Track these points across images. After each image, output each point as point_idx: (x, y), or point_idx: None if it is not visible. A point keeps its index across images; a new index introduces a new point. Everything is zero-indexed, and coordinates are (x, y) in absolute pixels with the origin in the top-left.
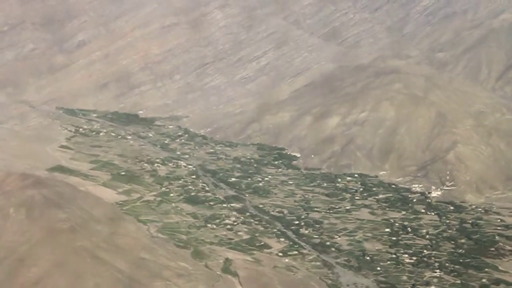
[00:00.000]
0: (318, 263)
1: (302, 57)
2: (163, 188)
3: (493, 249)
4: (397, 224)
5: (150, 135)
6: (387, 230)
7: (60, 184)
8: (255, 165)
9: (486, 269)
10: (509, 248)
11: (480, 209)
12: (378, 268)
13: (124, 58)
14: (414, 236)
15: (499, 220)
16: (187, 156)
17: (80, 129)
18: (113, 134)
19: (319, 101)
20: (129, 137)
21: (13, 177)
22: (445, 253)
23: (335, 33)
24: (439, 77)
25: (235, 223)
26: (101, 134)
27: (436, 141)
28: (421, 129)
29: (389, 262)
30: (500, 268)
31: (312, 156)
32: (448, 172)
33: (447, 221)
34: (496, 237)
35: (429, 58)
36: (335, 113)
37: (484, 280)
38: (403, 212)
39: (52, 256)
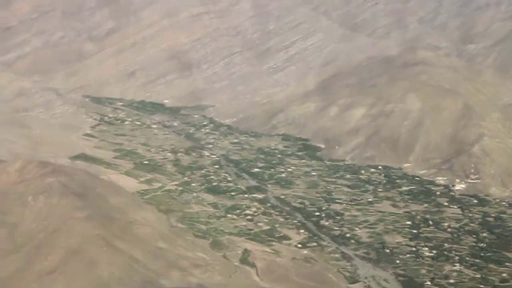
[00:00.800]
0: (336, 255)
1: (330, 48)
2: (185, 178)
3: None
4: (418, 217)
5: (175, 124)
6: (408, 222)
7: (80, 173)
8: (279, 155)
9: (507, 264)
10: None
11: (504, 203)
12: (397, 261)
13: (151, 47)
14: (435, 229)
15: None
16: (211, 145)
17: (105, 118)
18: (138, 123)
19: (346, 92)
20: (154, 126)
21: (33, 164)
22: (466, 247)
23: (364, 24)
24: (468, 69)
25: (256, 214)
26: (126, 123)
27: (462, 134)
28: (447, 121)
29: (408, 255)
30: None
31: (336, 147)
32: (472, 165)
33: (470, 215)
34: None
35: (459, 50)
36: (361, 104)
37: (504, 275)
38: (426, 205)
39: (69, 244)
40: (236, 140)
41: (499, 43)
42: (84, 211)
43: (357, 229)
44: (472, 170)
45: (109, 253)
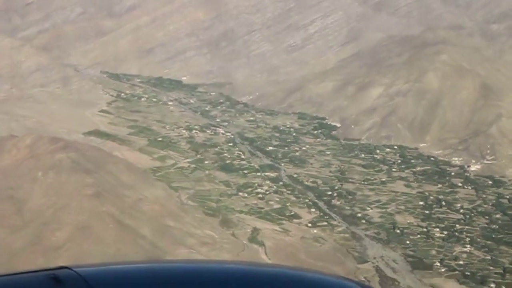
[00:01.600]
0: (346, 235)
1: (351, 27)
2: (199, 155)
3: None
4: (431, 198)
5: (192, 101)
6: (421, 203)
7: (91, 149)
8: (294, 134)
9: None
10: None
11: None
12: (408, 242)
13: (171, 23)
14: (448, 210)
15: None
16: (226, 123)
17: (122, 94)
18: (154, 99)
19: (364, 71)
20: (170, 103)
21: (44, 140)
22: (477, 228)
23: (387, 3)
24: (489, 49)
25: (267, 193)
26: (142, 99)
27: (479, 114)
28: (465, 101)
29: (419, 236)
30: None
31: (352, 126)
32: (489, 146)
33: (484, 196)
34: None
35: (483, 29)
36: (378, 84)
37: None
38: (439, 186)
39: (76, 220)
40: (251, 118)
41: None
42: (92, 188)
43: (369, 209)
44: (488, 151)
45: (116, 230)
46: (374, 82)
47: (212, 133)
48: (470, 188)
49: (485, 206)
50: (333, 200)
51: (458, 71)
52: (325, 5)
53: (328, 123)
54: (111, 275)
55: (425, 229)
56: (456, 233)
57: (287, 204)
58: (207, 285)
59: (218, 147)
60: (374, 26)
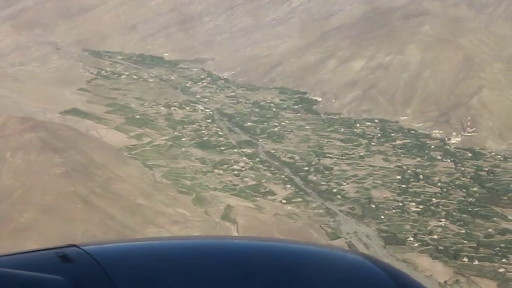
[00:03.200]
0: (321, 211)
1: None
2: (176, 132)
3: (505, 198)
4: (409, 171)
5: (173, 78)
6: (398, 177)
7: (64, 128)
8: (274, 109)
9: (495, 219)
10: None
11: (499, 156)
12: (382, 217)
13: None
14: (425, 184)
15: None
16: (206, 99)
17: (103, 72)
18: (135, 76)
19: (346, 44)
20: (151, 80)
21: (14, 120)
22: (454, 202)
23: None
24: (474, 20)
25: (243, 169)
26: (122, 77)
27: (461, 86)
28: (446, 73)
29: (394, 211)
30: (509, 217)
31: (333, 100)
32: (469, 118)
33: (463, 169)
34: (511, 186)
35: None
36: (360, 57)
37: (490, 230)
38: (418, 159)
39: (44, 201)
40: (232, 94)
41: None
42: (61, 168)
43: (345, 184)
44: (468, 123)
45: (85, 210)
46: (356, 55)
47: (191, 109)
48: (449, 161)
49: (463, 179)
50: (309, 176)
51: (440, 43)
52: None
53: (309, 97)
54: (120, 253)
55: (400, 204)
56: (432, 207)
57: (263, 181)
58: (222, 260)
59: (196, 123)
60: None
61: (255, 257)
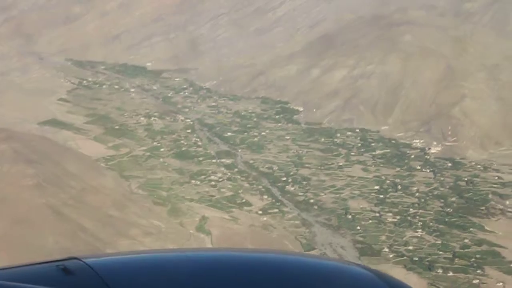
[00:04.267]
0: (297, 222)
1: (320, 8)
2: (155, 143)
3: (483, 208)
4: (388, 182)
5: (155, 87)
6: (376, 187)
7: (38, 139)
8: (255, 119)
9: (471, 229)
10: (500, 207)
11: (479, 166)
12: (358, 227)
13: (137, 9)
14: (403, 194)
15: (496, 178)
16: (187, 109)
17: (84, 82)
18: (116, 86)
19: (329, 53)
20: (132, 90)
21: None
22: (431, 212)
23: None
24: (459, 29)
25: (220, 180)
26: (104, 87)
27: (442, 95)
28: (428, 82)
29: (370, 221)
30: (486, 228)
31: (314, 110)
32: (449, 127)
33: (442, 179)
34: (489, 196)
35: (456, 9)
36: (342, 66)
37: (466, 241)
38: (397, 169)
39: (14, 213)
40: (213, 104)
41: (498, 1)
42: (33, 179)
43: (322, 194)
44: (449, 133)
45: (56, 222)
46: (338, 64)
47: (172, 120)
48: (428, 171)
49: (441, 189)
50: (287, 186)
51: (421, 52)
52: None
53: (291, 107)
54: (121, 265)
55: (377, 214)
56: (409, 218)
57: (239, 192)
58: (226, 273)
59: (176, 134)
60: (344, 7)
61: (259, 269)
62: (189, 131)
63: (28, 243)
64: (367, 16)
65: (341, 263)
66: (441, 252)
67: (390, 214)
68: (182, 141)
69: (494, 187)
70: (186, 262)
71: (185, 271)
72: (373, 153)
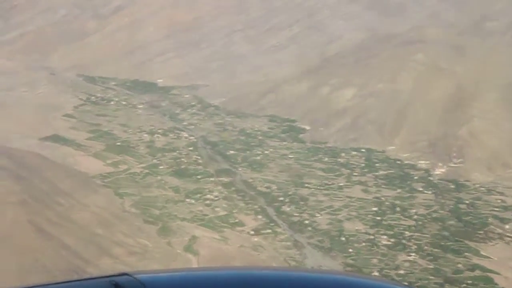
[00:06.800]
0: (288, 243)
1: (336, 26)
2: (154, 160)
3: (481, 232)
4: (387, 203)
5: (163, 104)
6: (374, 209)
7: (30, 155)
8: (260, 137)
9: (466, 254)
10: (499, 231)
11: (482, 189)
12: (350, 250)
13: (151, 25)
14: (401, 216)
15: (499, 201)
16: (193, 127)
17: (92, 97)
18: (124, 103)
19: (341, 71)
20: (140, 106)
21: None
22: (427, 235)
23: (379, 0)
24: (476, 48)
25: (216, 199)
26: (111, 102)
27: (451, 115)
28: (438, 102)
29: (364, 244)
30: (481, 252)
31: (321, 129)
32: (454, 148)
33: (443, 201)
34: (489, 219)
35: (477, 27)
36: (352, 84)
37: (459, 265)
38: (399, 190)
39: None
40: (220, 121)
41: None
42: (19, 196)
43: (318, 215)
44: (454, 154)
45: (38, 240)
46: (348, 82)
47: (175, 137)
48: (430, 192)
49: (441, 212)
50: (283, 206)
51: (432, 71)
52: (311, 4)
53: (298, 125)
54: (171, 282)
55: (372, 237)
56: (404, 241)
57: (234, 211)
58: None
59: (177, 151)
60: (360, 25)
61: None
62: (191, 148)
63: (5, 261)
64: (382, 34)
65: (384, 282)
66: (432, 277)
67: (385, 236)
68: (182, 159)
69: (496, 210)
70: (238, 280)
71: None
72: (376, 173)
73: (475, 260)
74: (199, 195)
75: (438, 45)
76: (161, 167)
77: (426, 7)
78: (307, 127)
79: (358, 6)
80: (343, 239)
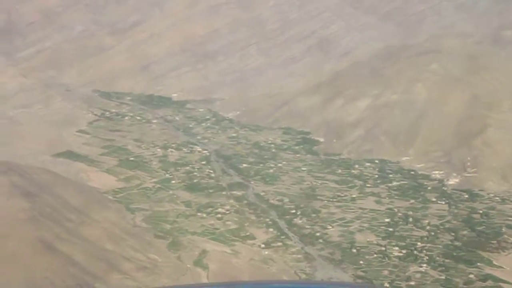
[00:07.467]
0: (299, 256)
1: (351, 37)
2: (167, 175)
3: (494, 241)
4: (400, 214)
5: (177, 118)
6: (387, 220)
7: (41, 172)
8: (274, 150)
9: (479, 264)
10: None
11: (497, 198)
12: (361, 262)
13: (167, 39)
14: (413, 227)
15: None
16: (206, 140)
17: (106, 113)
18: (138, 118)
19: (355, 82)
20: (155, 121)
21: None
22: (440, 246)
23: (395, 12)
24: (491, 57)
25: (227, 212)
26: (126, 118)
27: (466, 125)
28: (452, 112)
29: (375, 255)
30: (494, 262)
31: (335, 140)
32: (469, 158)
33: (456, 211)
34: (503, 229)
35: (495, 37)
36: (366, 95)
37: (471, 276)
38: (412, 201)
39: (5, 247)
40: (234, 135)
41: None
42: (28, 212)
43: (330, 227)
44: (468, 163)
45: (47, 257)
46: (363, 93)
47: (188, 151)
48: (443, 203)
49: (454, 222)
50: (294, 219)
51: (447, 81)
52: (326, 16)
53: (312, 138)
54: None
55: (383, 248)
56: (416, 252)
57: (245, 224)
58: None
59: (190, 165)
60: (375, 36)
61: None
62: (204, 162)
63: (16, 278)
64: (397, 45)
65: None
66: None
67: (397, 248)
68: (195, 173)
69: (509, 220)
70: None
71: None
72: (389, 184)
73: (487, 270)
74: (210, 209)
75: (454, 55)
76: (173, 181)
77: (443, 17)
78: (321, 139)
79: (374, 17)
80: (354, 251)
